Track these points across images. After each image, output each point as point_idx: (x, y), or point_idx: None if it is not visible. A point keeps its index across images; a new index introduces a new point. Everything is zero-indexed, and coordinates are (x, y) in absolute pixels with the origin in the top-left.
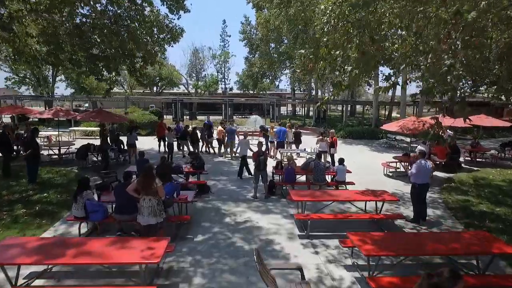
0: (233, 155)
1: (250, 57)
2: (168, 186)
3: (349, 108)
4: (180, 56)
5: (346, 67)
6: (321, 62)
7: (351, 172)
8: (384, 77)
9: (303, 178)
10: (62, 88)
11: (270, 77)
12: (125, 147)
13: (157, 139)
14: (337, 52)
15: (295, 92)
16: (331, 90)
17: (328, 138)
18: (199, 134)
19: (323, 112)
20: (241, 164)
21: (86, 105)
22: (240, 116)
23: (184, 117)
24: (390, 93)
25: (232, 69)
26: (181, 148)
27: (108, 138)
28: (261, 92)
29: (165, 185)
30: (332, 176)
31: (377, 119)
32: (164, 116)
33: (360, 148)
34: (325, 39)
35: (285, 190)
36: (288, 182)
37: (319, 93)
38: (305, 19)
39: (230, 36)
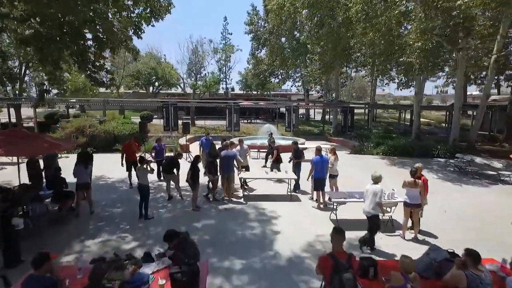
0: (242, 193)
1: (257, 53)
2: None
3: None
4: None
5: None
6: None
7: None
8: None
9: None
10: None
11: (281, 76)
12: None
13: (125, 166)
14: None
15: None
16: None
17: (419, 181)
18: (202, 167)
19: (351, 117)
20: None
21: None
22: (245, 122)
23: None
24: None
25: (235, 67)
26: (166, 183)
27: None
28: (266, 93)
29: None
30: None
31: (418, 127)
32: (157, 121)
33: (434, 180)
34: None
35: None
36: None
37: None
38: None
39: (231, 34)
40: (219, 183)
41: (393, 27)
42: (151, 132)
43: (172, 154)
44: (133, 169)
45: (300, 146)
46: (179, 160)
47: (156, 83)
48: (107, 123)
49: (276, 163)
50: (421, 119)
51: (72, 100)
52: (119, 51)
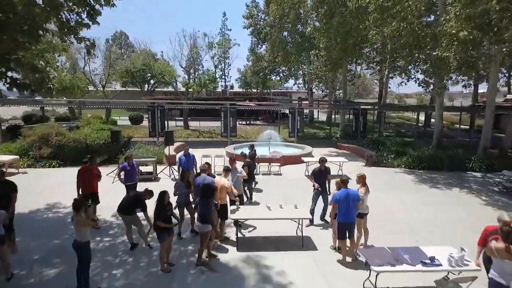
0: (236, 234)
1: (257, 48)
2: None
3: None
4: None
5: None
6: None
7: None
8: None
9: None
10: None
11: (283, 74)
12: None
13: (82, 196)
14: None
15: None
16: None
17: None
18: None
19: (363, 120)
20: None
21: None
22: (244, 123)
23: (170, 124)
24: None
25: (233, 64)
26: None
27: None
28: (266, 91)
29: None
30: None
31: (440, 132)
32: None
33: (481, 206)
34: None
35: None
36: None
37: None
38: None
39: (230, 30)
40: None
41: (423, 13)
42: (137, 137)
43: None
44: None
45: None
46: (147, 198)
47: (152, 81)
48: (79, 130)
49: (248, 182)
50: (433, 120)
51: (37, 98)
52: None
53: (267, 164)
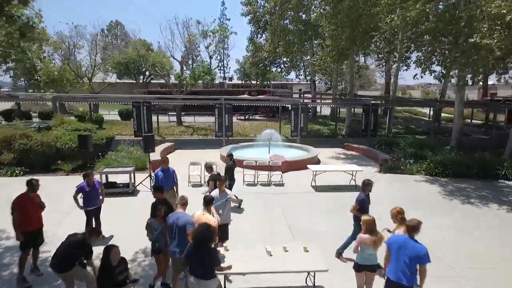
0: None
1: (257, 38)
2: None
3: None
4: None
5: None
6: None
7: None
8: None
9: None
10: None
11: (284, 65)
12: None
13: (20, 237)
14: None
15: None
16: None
17: None
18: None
19: (373, 117)
20: None
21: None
22: (242, 118)
23: (163, 119)
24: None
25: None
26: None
27: None
28: (266, 83)
29: None
30: None
31: (460, 132)
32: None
33: None
34: None
35: None
36: None
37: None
38: None
39: (229, 19)
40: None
41: None
42: (124, 135)
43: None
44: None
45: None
46: (91, 241)
47: (147, 73)
48: (50, 132)
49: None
50: (443, 114)
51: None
52: None
53: (267, 172)
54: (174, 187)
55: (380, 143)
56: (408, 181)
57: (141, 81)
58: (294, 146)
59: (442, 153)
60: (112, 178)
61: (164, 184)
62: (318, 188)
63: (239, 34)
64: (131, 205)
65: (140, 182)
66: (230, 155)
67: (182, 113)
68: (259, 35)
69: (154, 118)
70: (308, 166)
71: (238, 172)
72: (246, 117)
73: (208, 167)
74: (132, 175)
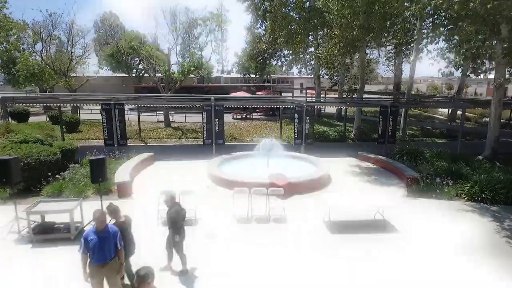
0: None
1: (255, 28)
2: None
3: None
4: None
5: None
6: None
7: None
8: None
9: None
10: None
11: (285, 59)
12: None
13: None
14: None
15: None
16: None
17: None
18: None
19: (392, 122)
20: None
21: None
22: (239, 118)
23: (150, 119)
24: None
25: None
26: None
27: None
28: (265, 77)
29: None
30: None
31: (497, 138)
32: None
33: None
34: None
35: None
36: None
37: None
38: None
39: (228, 11)
40: None
41: None
42: (98, 140)
43: None
44: None
45: None
46: None
47: (140, 66)
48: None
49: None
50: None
51: None
52: None
53: (265, 198)
54: (116, 257)
55: (401, 154)
56: (448, 210)
57: (133, 74)
58: (298, 157)
59: (482, 168)
60: (50, 217)
61: (97, 255)
62: (334, 226)
63: (238, 27)
64: (68, 258)
65: (89, 222)
66: (172, 198)
67: (172, 112)
68: (258, 26)
69: (135, 118)
70: (319, 192)
71: (227, 197)
72: (243, 116)
73: (112, 211)
74: (78, 210)
